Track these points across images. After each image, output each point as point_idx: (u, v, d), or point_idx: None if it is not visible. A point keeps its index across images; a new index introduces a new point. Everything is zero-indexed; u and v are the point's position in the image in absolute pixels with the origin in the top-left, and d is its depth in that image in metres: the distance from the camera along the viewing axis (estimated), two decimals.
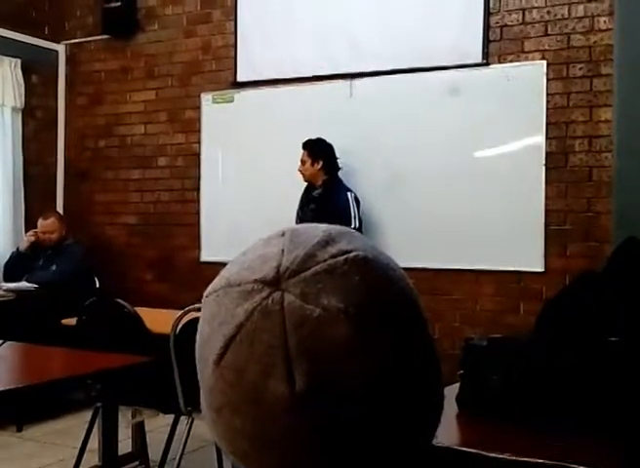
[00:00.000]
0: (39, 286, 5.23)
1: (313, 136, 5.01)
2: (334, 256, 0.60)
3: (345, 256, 0.60)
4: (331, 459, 0.58)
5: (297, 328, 0.56)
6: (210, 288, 0.63)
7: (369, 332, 0.57)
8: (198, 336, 0.63)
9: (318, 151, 4.94)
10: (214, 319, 0.60)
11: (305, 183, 5.06)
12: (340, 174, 5.05)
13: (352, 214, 4.75)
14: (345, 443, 0.58)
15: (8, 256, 5.73)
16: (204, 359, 0.61)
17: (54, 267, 5.42)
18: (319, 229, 0.63)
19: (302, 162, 4.98)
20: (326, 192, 4.92)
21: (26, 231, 6.16)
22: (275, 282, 0.58)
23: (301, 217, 4.94)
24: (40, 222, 5.59)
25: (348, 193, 4.87)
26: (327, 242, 0.61)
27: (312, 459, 0.58)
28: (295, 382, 0.55)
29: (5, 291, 5.18)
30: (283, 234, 0.63)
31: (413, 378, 0.60)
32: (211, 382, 0.60)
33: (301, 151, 5.00)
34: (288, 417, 0.56)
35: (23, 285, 5.27)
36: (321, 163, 4.93)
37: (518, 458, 1.53)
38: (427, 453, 0.65)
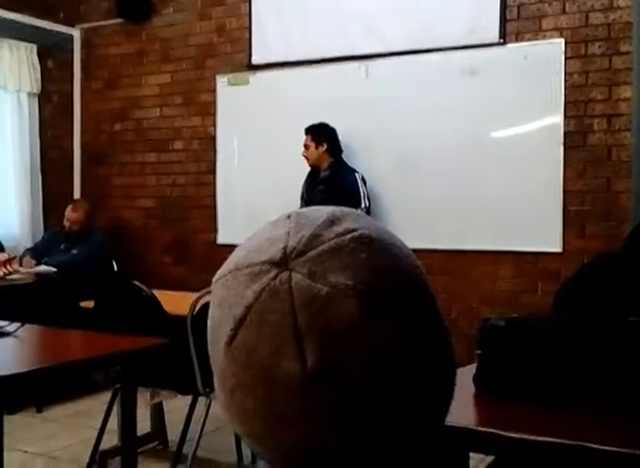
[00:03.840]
0: (57, 268, 5.27)
1: (328, 118, 5.01)
2: (339, 235, 0.60)
3: (351, 235, 0.60)
4: (343, 437, 0.58)
5: (306, 306, 0.56)
6: (219, 272, 0.64)
7: (378, 309, 0.57)
8: (209, 321, 0.63)
9: (321, 134, 4.97)
10: (223, 302, 0.61)
11: (309, 169, 5.08)
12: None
13: (361, 194, 4.81)
14: (358, 420, 0.58)
15: (30, 239, 5.84)
16: (215, 342, 0.61)
17: (74, 251, 5.47)
18: (323, 211, 0.64)
19: (306, 146, 5.01)
20: (333, 174, 4.95)
21: (44, 215, 6.21)
22: (282, 262, 0.59)
23: (308, 201, 4.96)
24: (68, 211, 5.61)
25: (355, 174, 4.92)
26: (332, 222, 0.62)
27: (325, 437, 0.58)
28: (306, 360, 0.56)
29: (24, 273, 5.22)
30: (289, 217, 0.64)
31: (424, 354, 0.61)
32: (223, 365, 0.60)
33: (304, 136, 5.01)
34: (300, 396, 0.57)
35: (43, 268, 5.31)
36: (325, 146, 4.95)
37: (536, 438, 1.52)
38: (441, 430, 0.65)
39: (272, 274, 0.58)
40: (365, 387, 0.57)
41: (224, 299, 0.61)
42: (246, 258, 0.61)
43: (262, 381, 0.57)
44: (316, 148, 4.97)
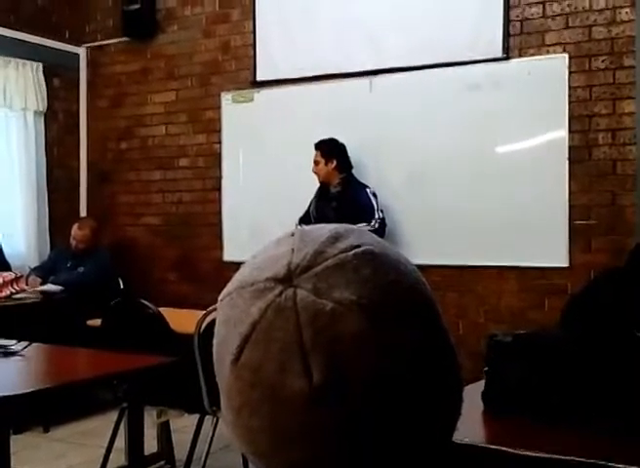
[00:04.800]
0: (64, 287, 5.28)
1: (333, 134, 5.01)
2: (343, 251, 0.60)
3: (355, 251, 0.60)
4: (349, 454, 0.58)
5: (311, 322, 0.56)
6: (224, 291, 0.64)
7: (383, 323, 0.57)
8: (215, 340, 0.63)
9: (331, 151, 4.96)
10: (229, 320, 0.61)
11: (317, 185, 5.08)
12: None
13: (375, 207, 4.79)
14: (364, 436, 0.58)
15: (36, 257, 5.86)
16: (221, 360, 0.61)
17: (80, 269, 5.47)
18: (327, 228, 0.64)
19: (316, 162, 5.00)
20: (344, 190, 4.94)
21: (50, 234, 6.22)
22: (287, 279, 0.59)
23: (319, 218, 4.94)
24: (74, 230, 5.63)
25: (367, 189, 4.91)
26: (336, 238, 0.62)
27: (332, 455, 0.58)
28: (312, 377, 0.56)
29: (30, 292, 5.22)
30: (292, 234, 0.64)
31: (430, 369, 0.60)
32: (229, 383, 0.60)
33: (314, 152, 5.01)
34: (306, 413, 0.57)
35: (49, 287, 5.31)
36: (335, 162, 4.95)
37: (545, 455, 1.51)
38: (449, 446, 0.65)
39: (277, 291, 0.59)
40: (371, 403, 0.57)
41: (230, 317, 0.61)
42: (250, 276, 0.61)
43: (269, 398, 0.57)
44: (326, 165, 4.96)
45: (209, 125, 6.01)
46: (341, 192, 4.94)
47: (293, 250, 0.61)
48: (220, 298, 0.64)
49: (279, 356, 0.57)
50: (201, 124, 6.06)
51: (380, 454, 0.59)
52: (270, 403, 0.57)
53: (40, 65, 6.19)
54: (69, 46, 6.51)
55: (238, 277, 0.63)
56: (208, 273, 5.86)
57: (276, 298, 0.58)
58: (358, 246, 0.61)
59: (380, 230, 4.68)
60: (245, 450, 0.63)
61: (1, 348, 2.90)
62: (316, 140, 5.02)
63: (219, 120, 5.94)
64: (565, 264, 4.65)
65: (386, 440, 0.58)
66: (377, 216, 4.77)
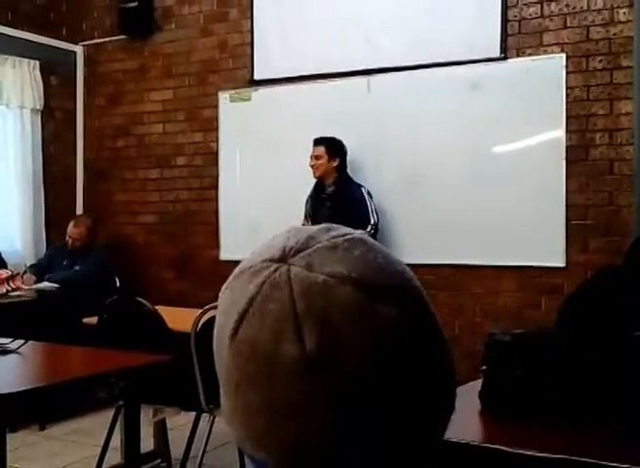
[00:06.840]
0: (60, 285, 5.27)
1: (330, 134, 4.99)
2: (335, 237, 0.65)
3: (345, 237, 0.65)
4: (343, 430, 0.59)
5: (304, 294, 0.60)
6: (225, 284, 0.67)
7: (373, 295, 0.60)
8: (215, 328, 0.66)
9: (337, 149, 4.94)
10: (228, 306, 0.64)
11: (314, 181, 5.06)
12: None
13: (370, 209, 4.78)
14: (356, 408, 0.59)
15: (32, 255, 5.88)
16: (221, 342, 0.64)
17: (77, 267, 5.47)
18: (320, 224, 0.68)
19: (317, 157, 4.96)
20: (339, 189, 4.92)
21: (47, 232, 6.21)
22: (282, 259, 0.63)
23: (315, 217, 4.93)
24: (70, 228, 5.63)
25: (362, 188, 4.90)
26: (328, 229, 0.66)
27: (326, 430, 0.59)
28: (305, 344, 0.58)
29: (26, 290, 5.21)
30: (288, 231, 0.68)
31: (420, 345, 0.62)
32: (227, 362, 0.62)
33: (314, 147, 4.98)
34: (300, 381, 0.58)
35: (45, 285, 5.30)
36: (337, 161, 4.94)
37: (542, 455, 1.51)
38: (442, 438, 0.65)
39: (272, 268, 0.62)
40: (362, 371, 0.59)
41: (230, 303, 0.64)
42: (248, 262, 0.65)
43: (264, 369, 0.60)
44: (328, 161, 4.93)
45: (206, 123, 6.00)
46: (336, 192, 4.93)
47: (288, 238, 0.65)
48: (221, 291, 0.67)
49: (274, 326, 0.59)
50: (198, 122, 6.05)
51: (372, 430, 0.60)
52: (266, 373, 0.59)
53: (37, 63, 6.18)
54: (66, 44, 6.49)
55: (237, 267, 0.67)
56: (205, 272, 5.85)
57: (272, 275, 0.62)
58: (349, 233, 0.65)
59: (374, 237, 4.67)
60: (242, 436, 0.64)
61: None
62: (313, 139, 5.00)
63: (216, 119, 5.94)
64: (562, 264, 4.65)
65: (378, 413, 0.60)
66: (372, 222, 4.75)
